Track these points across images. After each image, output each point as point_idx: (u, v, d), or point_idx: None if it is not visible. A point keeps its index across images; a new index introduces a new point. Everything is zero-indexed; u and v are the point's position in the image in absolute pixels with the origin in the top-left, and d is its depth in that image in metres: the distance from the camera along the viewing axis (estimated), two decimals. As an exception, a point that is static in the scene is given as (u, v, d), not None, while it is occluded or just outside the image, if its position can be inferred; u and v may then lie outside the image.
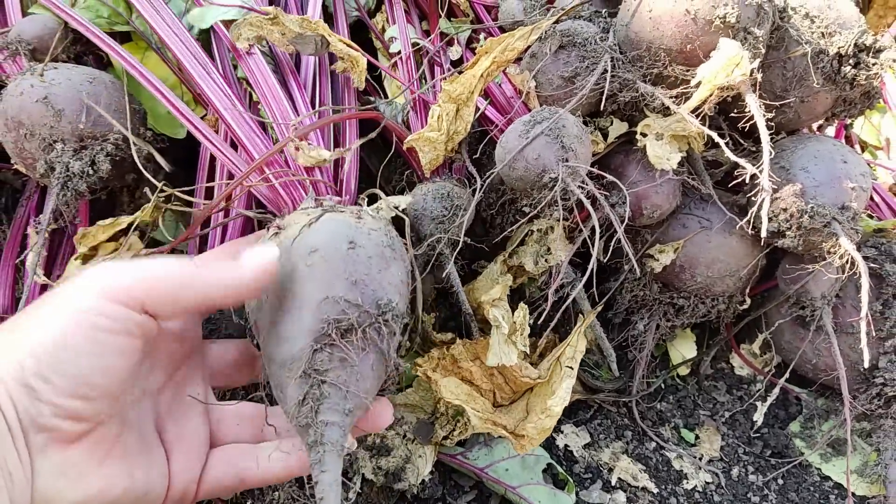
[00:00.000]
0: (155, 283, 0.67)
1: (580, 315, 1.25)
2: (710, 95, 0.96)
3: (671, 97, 1.02)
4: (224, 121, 1.03)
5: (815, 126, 1.32)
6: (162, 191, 1.00)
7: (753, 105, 0.96)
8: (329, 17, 1.32)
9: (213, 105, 1.05)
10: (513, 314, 1.13)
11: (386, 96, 1.29)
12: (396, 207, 1.00)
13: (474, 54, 1.08)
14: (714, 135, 0.96)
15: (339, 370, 0.73)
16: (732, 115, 1.06)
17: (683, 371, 1.40)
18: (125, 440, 0.70)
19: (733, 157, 0.96)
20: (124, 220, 1.07)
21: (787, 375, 1.24)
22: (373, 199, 1.03)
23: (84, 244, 1.06)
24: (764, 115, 0.96)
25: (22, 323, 0.65)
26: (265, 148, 1.00)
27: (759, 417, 1.28)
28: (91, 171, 1.06)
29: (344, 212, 0.84)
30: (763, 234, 0.95)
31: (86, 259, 1.07)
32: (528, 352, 1.13)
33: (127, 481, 0.69)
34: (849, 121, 1.38)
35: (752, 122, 0.98)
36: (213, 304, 0.73)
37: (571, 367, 1.19)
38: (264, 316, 0.79)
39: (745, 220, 1.02)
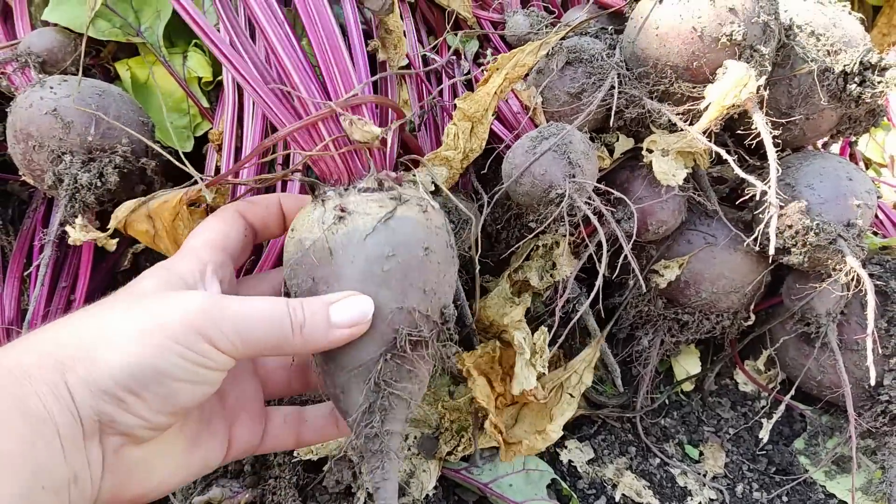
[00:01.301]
0: (248, 337, 0.67)
1: (585, 329, 1.25)
2: (719, 116, 0.97)
3: (678, 114, 1.03)
4: (278, 59, 0.86)
5: (820, 143, 1.32)
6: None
7: (760, 123, 0.96)
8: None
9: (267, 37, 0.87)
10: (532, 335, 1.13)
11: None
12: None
13: (480, 68, 1.08)
14: (722, 151, 0.96)
15: (406, 382, 0.73)
16: (739, 131, 1.06)
17: (688, 387, 1.40)
18: (189, 424, 0.73)
19: (741, 174, 0.96)
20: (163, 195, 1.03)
21: (791, 392, 1.23)
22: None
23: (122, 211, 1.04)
24: (770, 133, 0.96)
25: (105, 327, 0.65)
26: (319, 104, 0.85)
27: (764, 434, 1.28)
28: (99, 184, 1.06)
29: (410, 201, 0.78)
30: (771, 251, 0.95)
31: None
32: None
33: (187, 465, 0.72)
34: (854, 138, 1.38)
35: (758, 138, 0.98)
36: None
37: (573, 396, 1.19)
38: None
39: (751, 237, 1.03)
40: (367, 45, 1.05)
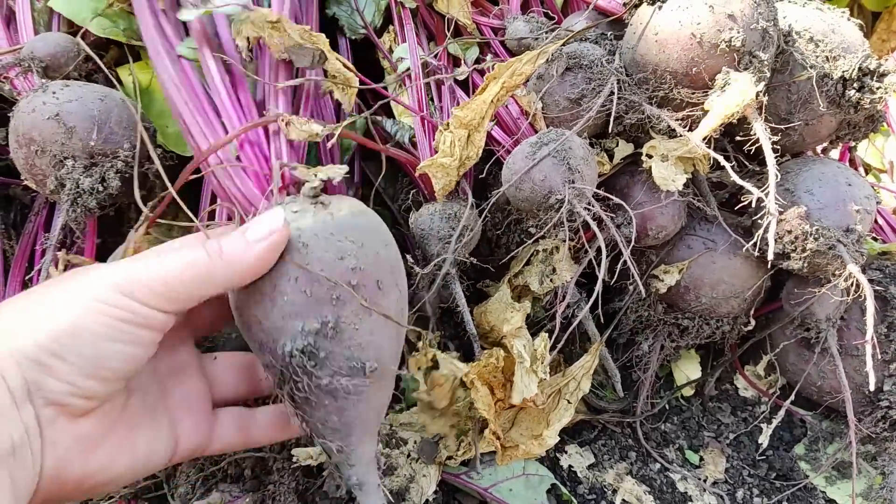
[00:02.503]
0: (174, 284, 0.68)
1: (585, 334, 1.26)
2: (720, 125, 0.97)
3: (677, 119, 1.03)
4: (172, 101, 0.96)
5: (819, 149, 1.33)
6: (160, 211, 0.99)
7: (760, 130, 0.97)
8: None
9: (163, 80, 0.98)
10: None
11: (392, 115, 1.30)
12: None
13: (481, 75, 1.09)
14: (721, 158, 0.96)
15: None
16: (738, 137, 1.07)
17: (688, 392, 1.40)
18: (130, 409, 0.73)
19: (739, 181, 0.96)
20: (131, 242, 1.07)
21: (792, 397, 1.23)
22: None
23: None
24: (769, 139, 0.97)
25: (32, 303, 0.66)
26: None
27: (764, 440, 1.28)
28: (101, 188, 1.06)
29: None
30: (770, 256, 0.95)
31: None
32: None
33: (131, 451, 0.72)
34: (853, 144, 1.38)
35: (757, 144, 0.98)
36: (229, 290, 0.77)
37: (570, 402, 1.19)
38: None
39: (751, 242, 1.03)
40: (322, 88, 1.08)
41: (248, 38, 1.00)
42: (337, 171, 0.87)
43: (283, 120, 0.89)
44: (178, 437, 0.79)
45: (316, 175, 0.85)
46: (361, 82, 1.09)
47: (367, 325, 0.79)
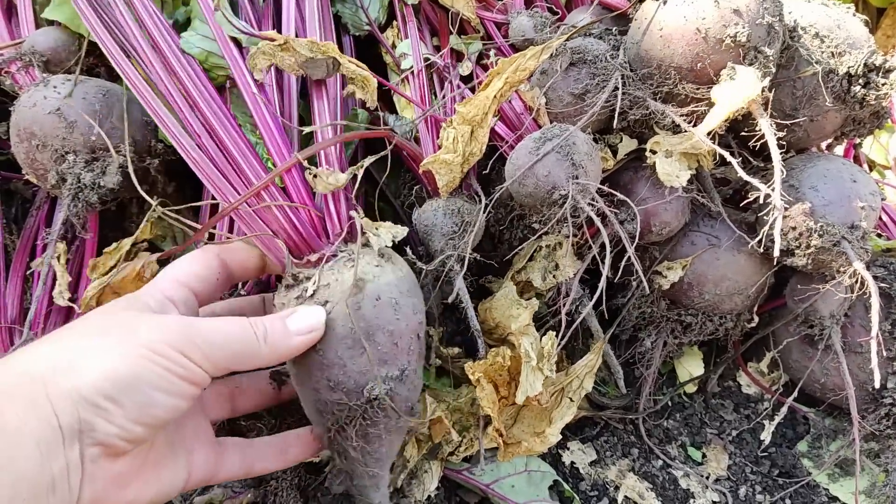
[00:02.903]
0: (222, 355, 0.75)
1: (587, 330, 1.25)
2: (725, 120, 0.97)
3: (682, 115, 1.02)
4: (216, 136, 0.99)
5: (823, 145, 1.32)
6: (164, 205, 1.00)
7: (766, 126, 0.96)
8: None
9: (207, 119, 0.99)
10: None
11: (395, 111, 1.29)
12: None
13: (485, 70, 1.08)
14: (726, 153, 0.96)
15: None
16: (743, 133, 1.06)
17: (690, 389, 1.39)
18: (157, 447, 0.78)
19: (745, 177, 0.95)
20: (126, 243, 1.09)
21: (795, 394, 1.23)
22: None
23: (96, 273, 1.08)
24: (775, 135, 0.96)
25: (89, 343, 0.69)
26: (261, 171, 0.98)
27: (766, 436, 1.28)
28: (102, 183, 1.06)
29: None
30: (775, 253, 0.94)
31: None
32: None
33: (157, 484, 0.77)
34: (858, 140, 1.38)
35: (762, 140, 0.98)
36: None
37: (573, 400, 1.19)
38: None
39: (755, 239, 1.02)
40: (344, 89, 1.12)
41: (262, 70, 1.03)
42: (399, 232, 0.98)
43: (311, 174, 0.96)
44: (191, 467, 0.84)
45: (378, 231, 0.96)
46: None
47: (419, 371, 0.94)
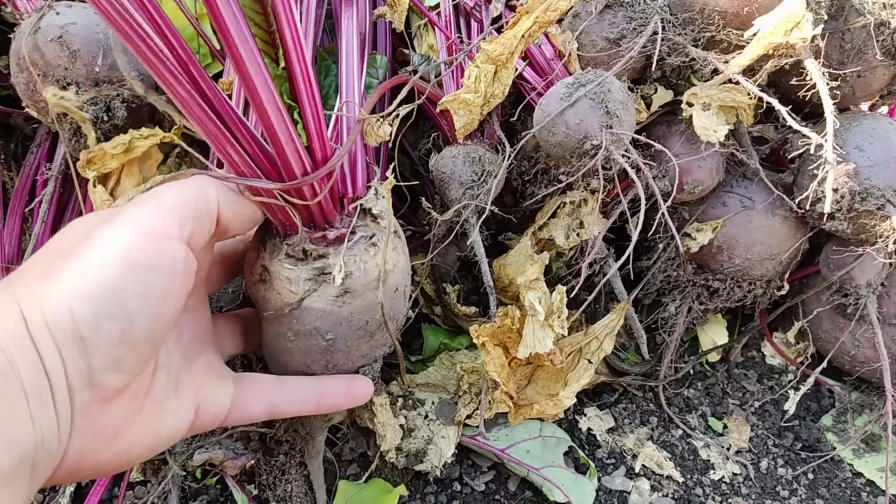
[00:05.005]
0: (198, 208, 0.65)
1: (609, 293, 1.20)
2: (766, 54, 0.89)
3: (725, 63, 0.96)
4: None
5: (865, 107, 1.26)
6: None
7: (815, 70, 0.89)
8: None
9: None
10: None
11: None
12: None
13: (514, 12, 1.02)
14: (774, 101, 0.89)
15: None
16: (783, 88, 1.00)
17: (713, 357, 1.34)
18: (156, 388, 0.66)
19: (796, 125, 0.89)
20: (139, 146, 0.99)
21: (822, 366, 1.18)
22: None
23: (92, 169, 0.99)
24: (826, 83, 0.90)
25: (58, 266, 0.58)
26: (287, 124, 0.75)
27: (790, 406, 1.23)
28: (106, 118, 1.00)
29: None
30: (826, 208, 0.88)
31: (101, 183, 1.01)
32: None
33: (152, 435, 0.66)
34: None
35: (810, 91, 0.91)
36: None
37: (591, 362, 1.14)
38: None
39: (795, 200, 0.96)
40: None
41: None
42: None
43: (367, 123, 0.83)
44: (198, 407, 0.72)
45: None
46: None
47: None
